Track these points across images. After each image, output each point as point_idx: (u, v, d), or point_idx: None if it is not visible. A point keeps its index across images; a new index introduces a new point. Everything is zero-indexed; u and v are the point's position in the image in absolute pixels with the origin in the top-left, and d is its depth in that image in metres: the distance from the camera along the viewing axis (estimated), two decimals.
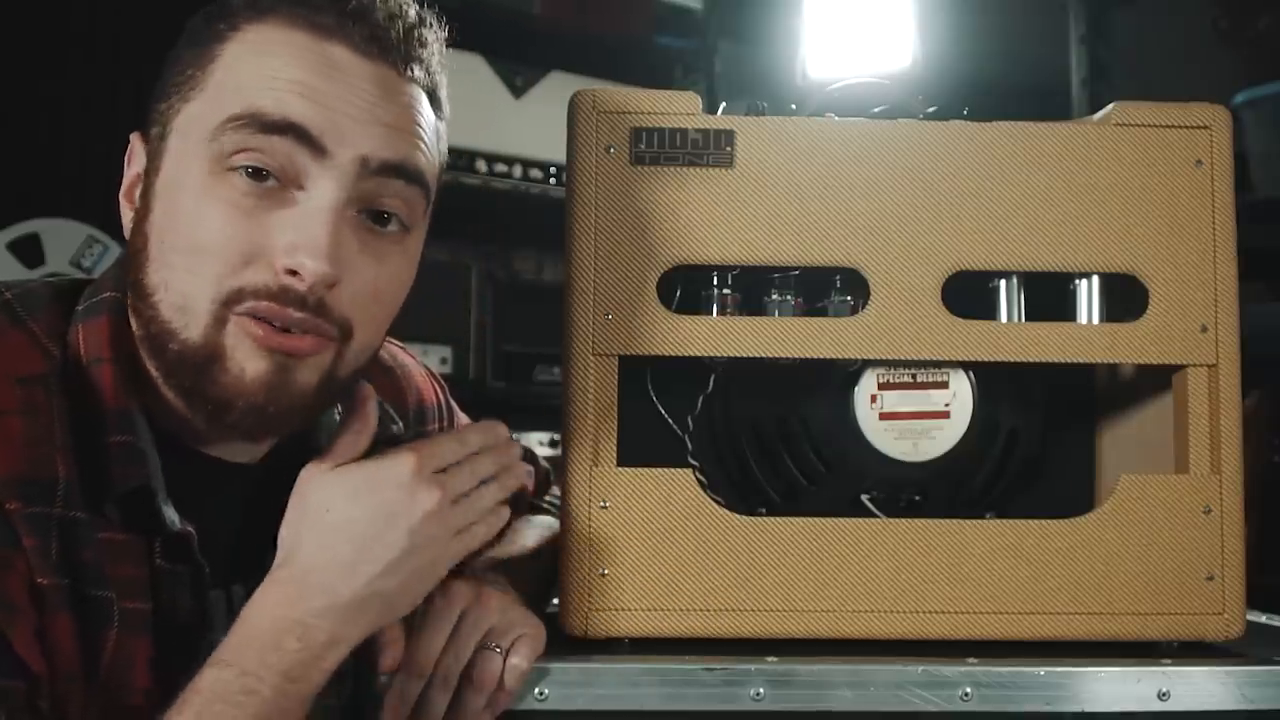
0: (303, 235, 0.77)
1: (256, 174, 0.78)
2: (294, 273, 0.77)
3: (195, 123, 0.79)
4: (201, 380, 0.78)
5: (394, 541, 0.80)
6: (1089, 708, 0.88)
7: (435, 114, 0.86)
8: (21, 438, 0.75)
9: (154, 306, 0.79)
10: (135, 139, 0.85)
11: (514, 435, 0.91)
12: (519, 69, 2.63)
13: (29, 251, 2.30)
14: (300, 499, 0.82)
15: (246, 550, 0.89)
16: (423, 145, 0.84)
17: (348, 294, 0.80)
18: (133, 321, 0.82)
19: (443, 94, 0.87)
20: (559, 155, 1.03)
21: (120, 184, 0.85)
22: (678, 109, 0.96)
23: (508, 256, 2.74)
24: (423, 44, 0.84)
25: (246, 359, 0.78)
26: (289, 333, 0.78)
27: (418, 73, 0.84)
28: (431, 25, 0.85)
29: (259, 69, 0.79)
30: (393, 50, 0.81)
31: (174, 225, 0.79)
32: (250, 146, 0.77)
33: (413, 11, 0.84)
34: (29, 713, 0.72)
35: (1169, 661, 0.90)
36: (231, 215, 0.77)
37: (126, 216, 0.84)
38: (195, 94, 0.80)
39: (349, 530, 0.79)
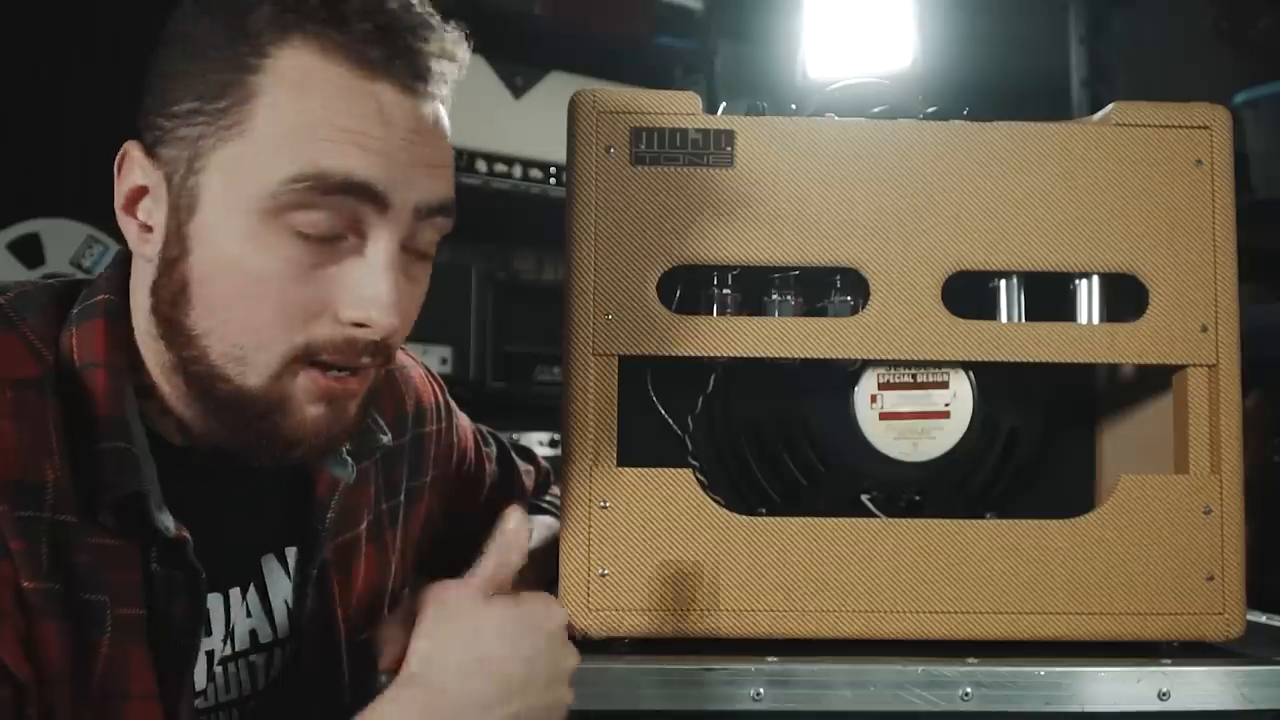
0: (370, 290, 0.77)
1: (328, 235, 0.77)
2: (361, 324, 0.78)
3: (244, 170, 0.75)
4: (261, 423, 0.79)
5: (533, 689, 0.80)
6: (1089, 708, 0.88)
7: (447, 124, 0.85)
8: (12, 441, 0.74)
9: (201, 350, 0.78)
10: (134, 150, 0.80)
11: (514, 435, 0.91)
12: (519, 69, 2.63)
13: (29, 251, 2.30)
14: (443, 613, 0.81)
15: (243, 553, 0.89)
16: (452, 172, 0.84)
17: None
18: (155, 344, 0.80)
19: (449, 96, 0.86)
20: (559, 155, 1.03)
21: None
22: (678, 109, 0.96)
23: (508, 256, 2.74)
24: (452, 59, 0.82)
25: (309, 404, 0.79)
26: (347, 381, 0.80)
27: (442, 90, 0.82)
28: (459, 40, 0.83)
29: (309, 115, 0.75)
30: (430, 81, 0.80)
31: (223, 277, 0.77)
32: (313, 206, 0.76)
33: (451, 34, 0.82)
34: None
35: (1169, 661, 0.90)
36: (290, 274, 0.76)
37: (133, 231, 0.81)
38: (236, 133, 0.76)
39: (494, 668, 0.79)
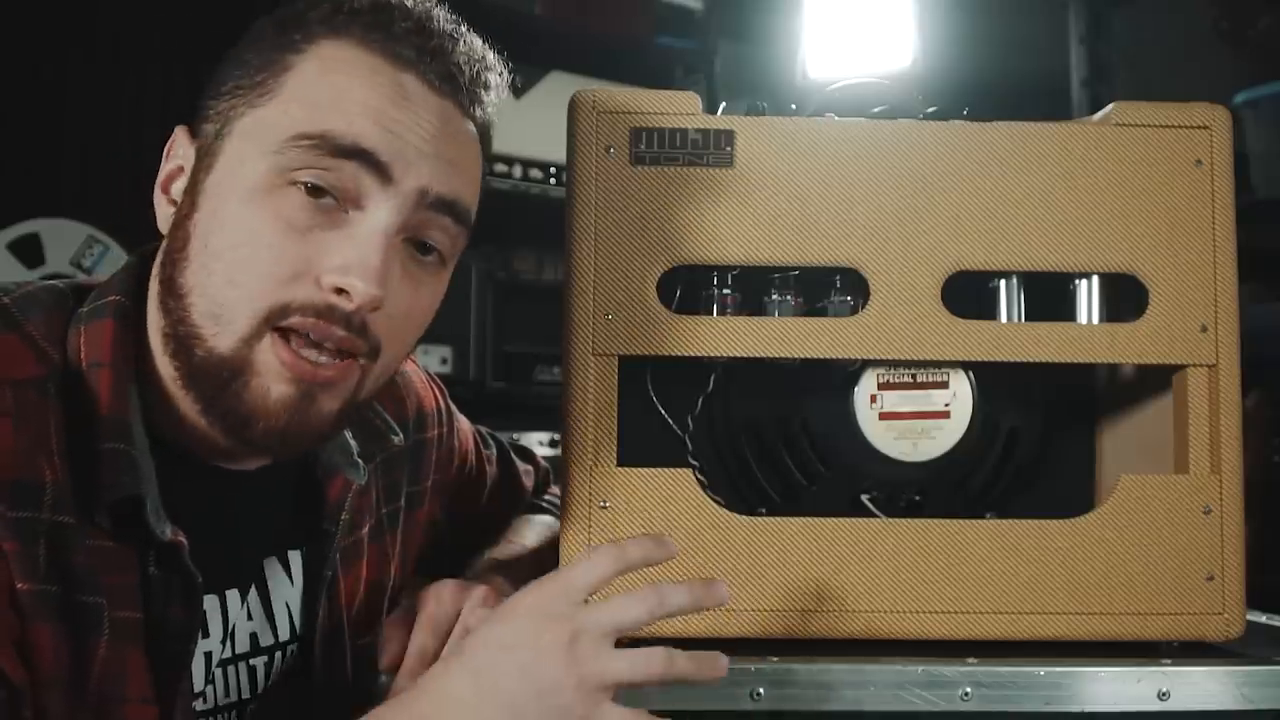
0: (356, 256, 0.77)
1: (316, 191, 0.78)
2: (342, 292, 0.77)
3: (262, 130, 0.79)
4: (224, 393, 0.78)
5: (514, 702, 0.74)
6: (1089, 708, 0.88)
7: (481, 153, 0.87)
8: (10, 441, 0.73)
9: (186, 308, 0.78)
10: (181, 132, 0.84)
11: (514, 435, 0.91)
12: (519, 69, 2.63)
13: (29, 251, 2.30)
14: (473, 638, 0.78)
15: (241, 556, 0.89)
16: (475, 186, 0.86)
17: (384, 317, 0.80)
18: (160, 317, 0.81)
19: (490, 135, 0.89)
20: (559, 155, 1.03)
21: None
22: (678, 109, 0.96)
23: (508, 256, 2.74)
24: (487, 87, 0.86)
25: (273, 380, 0.78)
26: (318, 364, 0.78)
27: (478, 113, 0.85)
28: (501, 72, 0.87)
29: (333, 87, 0.79)
30: (461, 90, 0.83)
31: (220, 229, 0.78)
32: (317, 165, 0.77)
33: (489, 56, 0.86)
34: None
35: (1169, 661, 0.90)
36: (284, 230, 0.77)
37: (163, 209, 0.84)
38: (265, 100, 0.79)
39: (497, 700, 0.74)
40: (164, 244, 0.82)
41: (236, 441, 0.81)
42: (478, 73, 0.84)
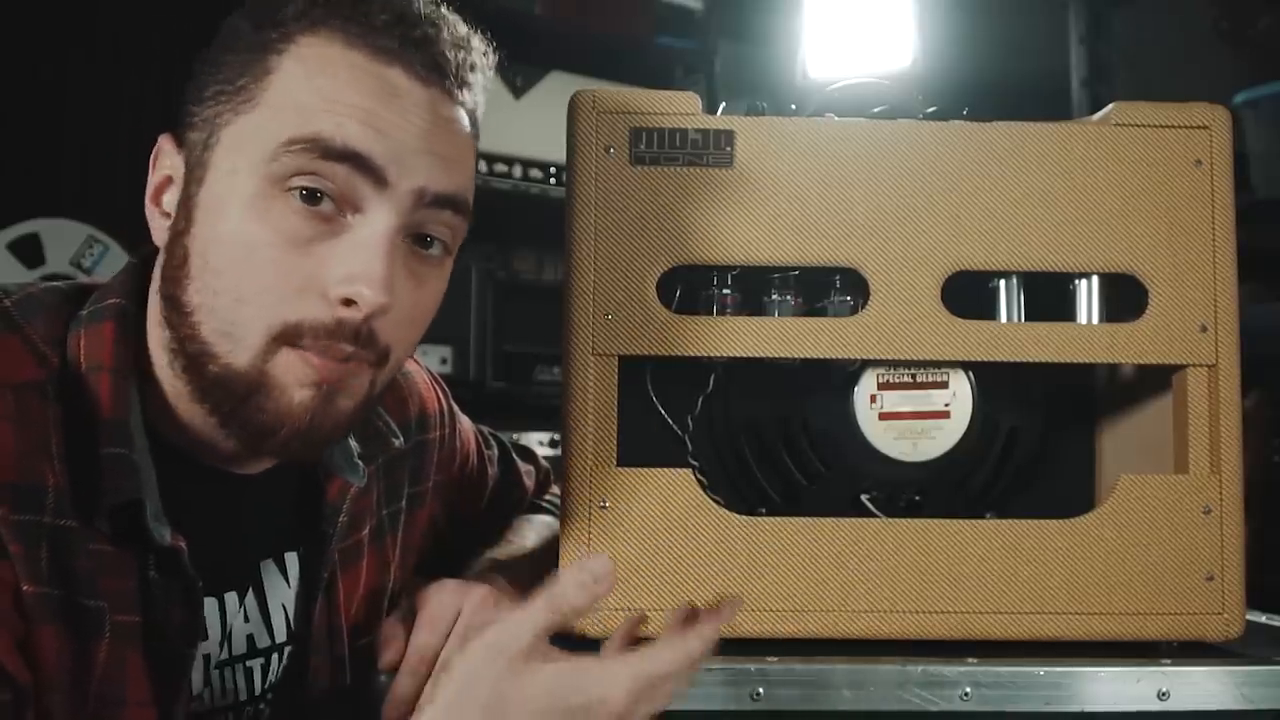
0: (360, 266, 0.76)
1: (312, 197, 0.76)
2: (350, 301, 0.76)
3: (250, 139, 0.77)
4: (244, 406, 0.77)
5: None
6: (1089, 708, 0.88)
7: (472, 135, 0.86)
8: (12, 444, 0.73)
9: (193, 326, 0.77)
10: (166, 141, 0.82)
11: (514, 435, 0.91)
12: (519, 69, 2.64)
13: (29, 251, 2.30)
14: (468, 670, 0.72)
15: (242, 558, 0.89)
16: (470, 174, 0.84)
17: (390, 320, 0.79)
18: (162, 332, 0.80)
19: (479, 115, 0.87)
20: (559, 155, 1.03)
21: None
22: (677, 109, 0.96)
23: (508, 256, 2.74)
24: (473, 68, 0.84)
25: (293, 388, 0.77)
26: (331, 368, 0.78)
27: (466, 97, 0.83)
28: (485, 51, 0.85)
29: (319, 89, 0.77)
30: (449, 77, 0.81)
31: (220, 247, 0.77)
32: (310, 170, 0.76)
33: (473, 37, 0.84)
34: None
35: (1169, 661, 0.90)
36: (284, 245, 0.76)
37: (157, 222, 0.82)
38: (249, 107, 0.77)
39: None
40: (161, 258, 0.81)
41: (256, 449, 0.80)
42: (463, 57, 0.82)
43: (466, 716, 0.69)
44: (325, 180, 0.76)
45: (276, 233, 0.76)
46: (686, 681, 0.74)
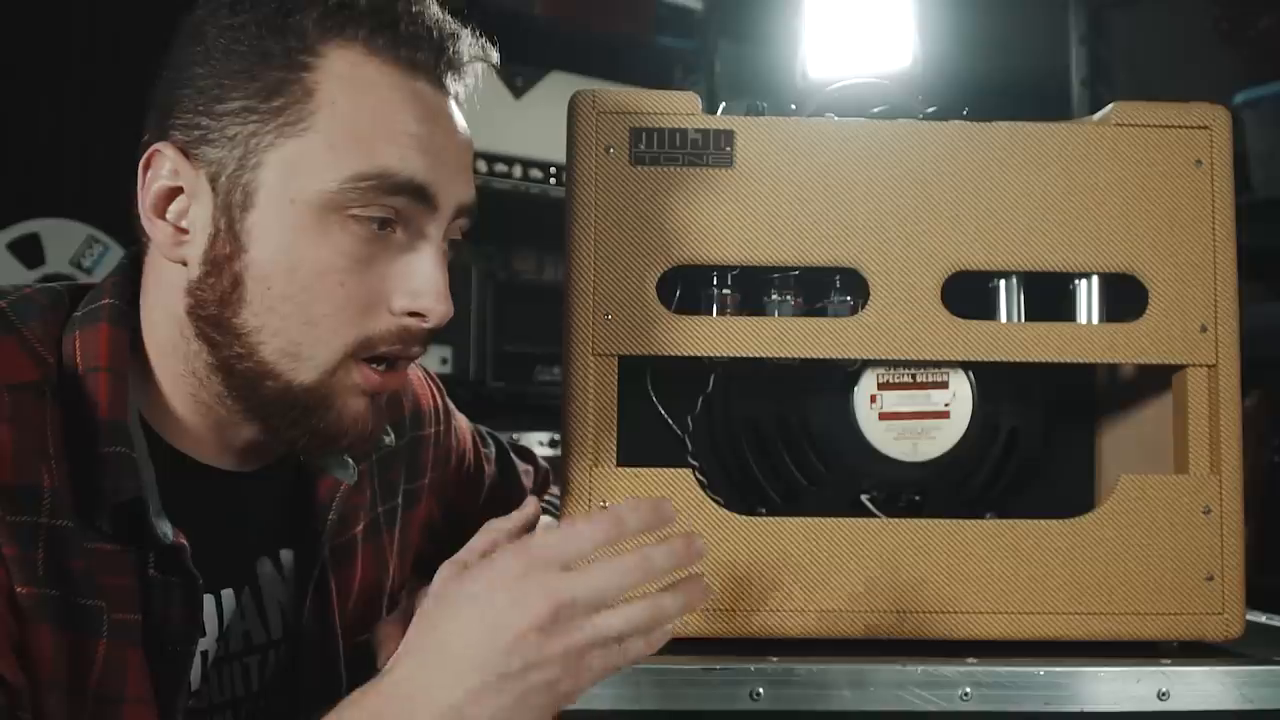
0: (424, 281, 0.81)
1: (383, 224, 0.79)
2: (415, 314, 0.81)
3: (307, 168, 0.77)
4: (308, 418, 0.81)
5: (486, 665, 0.70)
6: (1089, 708, 0.88)
7: None
8: (8, 446, 0.73)
9: (250, 347, 0.79)
10: (168, 149, 0.79)
11: (514, 435, 0.92)
12: (519, 69, 2.63)
13: (29, 251, 2.29)
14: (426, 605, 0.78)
15: (238, 555, 0.89)
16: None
17: None
18: (186, 345, 0.81)
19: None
20: (559, 155, 1.03)
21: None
22: (677, 109, 0.96)
23: (508, 256, 2.74)
24: (482, 63, 0.87)
25: (353, 398, 0.82)
26: (387, 377, 0.83)
27: (464, 95, 0.86)
28: (471, 42, 0.86)
29: (370, 116, 0.78)
30: (459, 81, 0.85)
31: (285, 272, 0.78)
32: (378, 203, 0.79)
33: (467, 34, 0.85)
34: None
35: (1169, 661, 0.90)
36: (350, 268, 0.79)
37: (165, 235, 0.80)
38: (295, 131, 0.77)
39: (443, 650, 0.72)
40: (193, 278, 0.79)
41: (316, 454, 0.87)
42: (468, 60, 0.85)
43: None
44: (389, 209, 0.79)
45: (343, 256, 0.79)
46: (648, 646, 0.74)
